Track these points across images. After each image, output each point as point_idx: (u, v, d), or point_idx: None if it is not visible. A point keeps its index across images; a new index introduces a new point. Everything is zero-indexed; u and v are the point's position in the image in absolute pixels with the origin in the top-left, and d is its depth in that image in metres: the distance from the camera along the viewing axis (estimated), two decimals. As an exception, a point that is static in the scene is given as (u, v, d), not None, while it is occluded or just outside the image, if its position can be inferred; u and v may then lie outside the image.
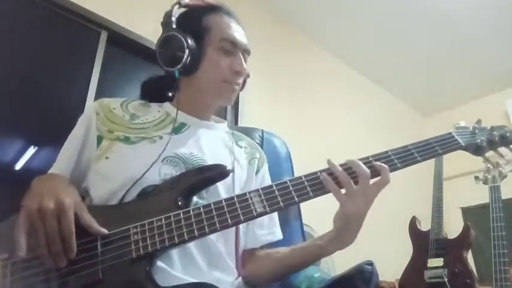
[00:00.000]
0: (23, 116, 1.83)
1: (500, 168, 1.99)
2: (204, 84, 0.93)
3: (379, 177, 0.76)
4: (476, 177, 2.07)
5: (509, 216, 1.92)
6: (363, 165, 0.76)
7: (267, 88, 2.87)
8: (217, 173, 0.80)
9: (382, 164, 0.77)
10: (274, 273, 0.90)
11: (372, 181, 0.76)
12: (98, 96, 2.02)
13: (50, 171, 0.88)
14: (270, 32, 3.10)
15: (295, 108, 3.06)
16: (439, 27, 3.27)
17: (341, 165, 0.77)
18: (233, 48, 0.92)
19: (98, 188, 0.82)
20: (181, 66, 0.86)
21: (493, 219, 1.91)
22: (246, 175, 0.96)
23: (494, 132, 0.95)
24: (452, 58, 3.61)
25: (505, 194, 1.95)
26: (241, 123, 2.54)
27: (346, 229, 0.78)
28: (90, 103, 1.92)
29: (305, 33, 3.38)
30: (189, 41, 0.87)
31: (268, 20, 3.16)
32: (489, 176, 2.01)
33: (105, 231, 0.69)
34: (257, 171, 1.00)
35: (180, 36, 0.86)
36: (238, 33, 0.94)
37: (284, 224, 1.04)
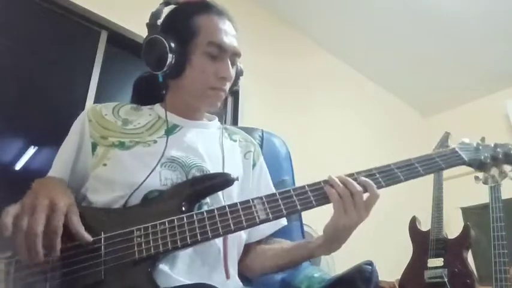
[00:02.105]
0: (23, 116, 1.83)
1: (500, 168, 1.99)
2: (189, 89, 0.91)
3: (368, 194, 0.78)
4: (476, 177, 2.06)
5: (509, 216, 1.91)
6: (355, 184, 0.77)
7: (267, 88, 2.87)
8: (222, 181, 0.81)
9: (368, 180, 0.78)
10: (265, 269, 0.93)
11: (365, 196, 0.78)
12: (98, 96, 2.02)
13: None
14: (270, 33, 3.10)
15: (295, 108, 3.06)
16: (440, 28, 3.27)
17: (340, 180, 0.78)
18: (220, 53, 0.88)
19: (99, 194, 0.82)
20: (165, 71, 0.86)
21: (493, 219, 1.91)
22: (243, 171, 0.96)
23: (498, 149, 0.98)
24: (452, 58, 3.61)
25: (505, 194, 1.95)
26: (241, 123, 2.54)
27: (335, 239, 0.80)
28: (87, 106, 1.93)
29: (305, 34, 3.38)
30: (173, 45, 0.85)
31: (269, 21, 3.16)
32: (489, 176, 2.01)
33: (90, 238, 0.68)
34: (254, 165, 1.00)
35: (163, 40, 0.85)
36: (227, 36, 0.89)
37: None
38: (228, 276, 0.82)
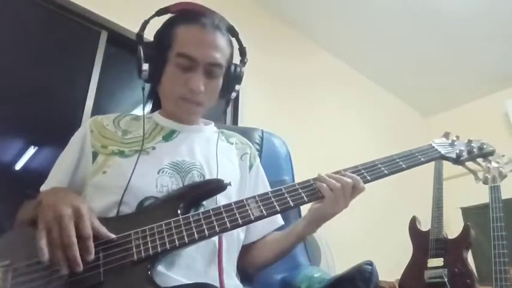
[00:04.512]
0: (23, 116, 1.83)
1: (501, 168, 1.99)
2: (164, 97, 0.95)
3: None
4: (476, 177, 2.06)
5: (509, 216, 1.91)
6: (344, 177, 0.84)
7: (267, 88, 2.87)
8: (216, 187, 0.83)
9: (353, 176, 0.84)
10: (266, 259, 0.96)
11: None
12: (98, 96, 2.02)
13: (42, 187, 0.89)
14: (271, 33, 3.10)
15: (295, 108, 3.06)
16: (440, 28, 3.27)
17: (329, 176, 0.85)
18: (192, 63, 0.87)
19: (95, 201, 0.82)
20: (144, 79, 0.90)
21: (493, 219, 1.91)
22: (240, 173, 0.98)
23: (472, 144, 1.06)
24: (452, 58, 3.61)
25: (505, 194, 1.95)
26: (241, 123, 2.54)
27: (321, 221, 0.88)
28: (87, 106, 1.94)
29: (306, 34, 3.38)
30: (152, 54, 0.89)
31: (270, 21, 3.16)
32: (489, 176, 2.00)
33: (113, 235, 0.70)
34: (250, 167, 1.02)
35: (140, 49, 0.89)
36: (202, 47, 0.88)
37: (284, 223, 1.04)
38: (221, 274, 0.81)
